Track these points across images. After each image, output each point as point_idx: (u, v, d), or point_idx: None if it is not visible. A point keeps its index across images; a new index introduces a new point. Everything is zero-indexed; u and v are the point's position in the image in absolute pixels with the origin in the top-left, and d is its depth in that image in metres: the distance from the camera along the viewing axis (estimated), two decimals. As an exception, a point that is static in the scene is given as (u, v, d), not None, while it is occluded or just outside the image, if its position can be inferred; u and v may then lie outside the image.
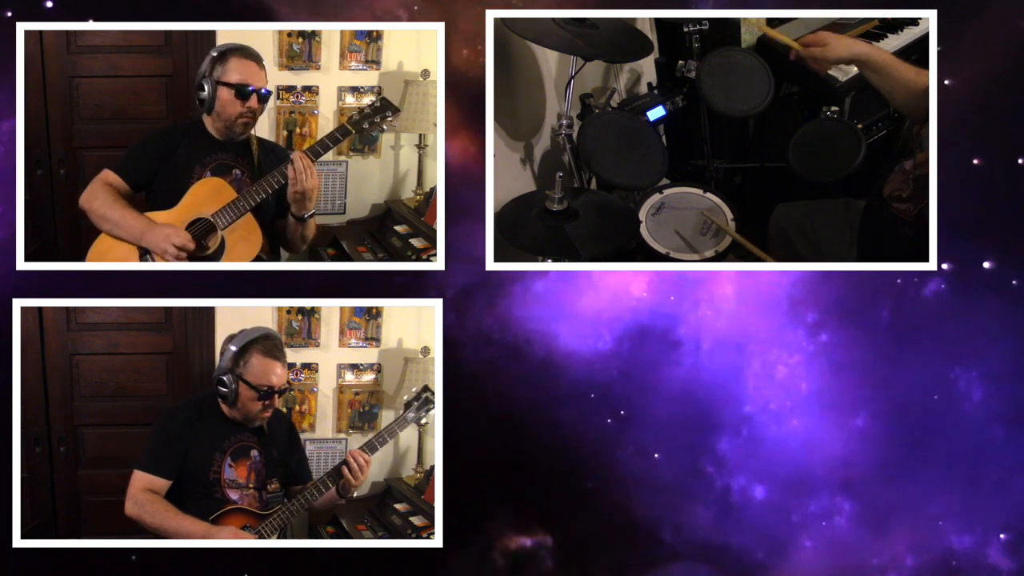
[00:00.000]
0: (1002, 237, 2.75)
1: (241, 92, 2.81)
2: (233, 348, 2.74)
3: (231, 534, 2.70)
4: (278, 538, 2.76)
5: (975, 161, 2.71)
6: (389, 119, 2.91)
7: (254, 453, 2.80)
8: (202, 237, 2.76)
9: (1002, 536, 2.76)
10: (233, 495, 2.76)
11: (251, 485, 2.79)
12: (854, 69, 3.23)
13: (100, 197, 2.77)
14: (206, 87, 2.82)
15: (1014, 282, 2.74)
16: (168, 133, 2.91)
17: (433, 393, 2.87)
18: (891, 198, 2.68)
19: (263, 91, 2.85)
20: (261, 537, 2.72)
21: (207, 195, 2.80)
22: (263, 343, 2.76)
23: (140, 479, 2.71)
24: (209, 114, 2.86)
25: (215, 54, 2.82)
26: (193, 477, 2.74)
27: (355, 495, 2.89)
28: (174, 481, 2.73)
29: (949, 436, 2.76)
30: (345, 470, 2.77)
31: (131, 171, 2.84)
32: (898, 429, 2.77)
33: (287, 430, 2.95)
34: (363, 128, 2.90)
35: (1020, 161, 2.76)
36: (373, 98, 2.91)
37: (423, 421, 2.94)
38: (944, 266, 2.72)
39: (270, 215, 2.90)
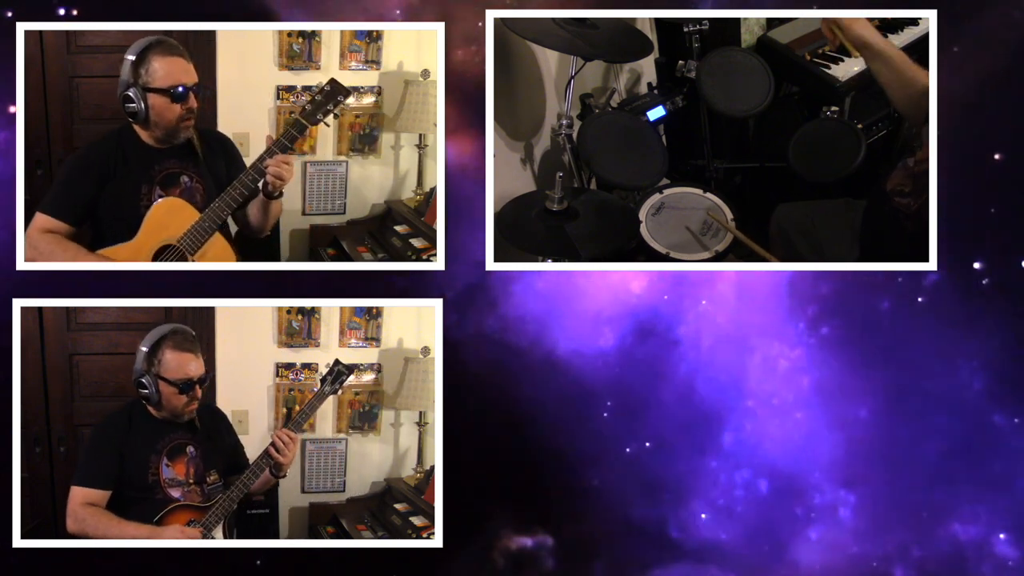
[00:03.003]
0: (1002, 235, 2.74)
1: (175, 96, 2.66)
2: (144, 349, 2.72)
3: (177, 532, 2.69)
4: (224, 526, 2.76)
5: (996, 157, 2.71)
6: (342, 102, 2.78)
7: (190, 449, 2.79)
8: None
9: (1006, 528, 2.76)
10: (175, 493, 2.75)
11: (191, 480, 2.78)
12: (855, 68, 3.24)
13: (41, 251, 2.63)
14: (134, 97, 2.64)
15: (1016, 278, 2.74)
16: (97, 152, 2.73)
17: (346, 366, 2.90)
18: (893, 192, 2.69)
19: (196, 87, 2.69)
20: (206, 529, 2.72)
21: (168, 217, 2.69)
22: (172, 338, 2.74)
23: (78, 494, 2.69)
24: (145, 127, 2.70)
25: (132, 57, 2.64)
26: (132, 483, 2.72)
27: (286, 474, 2.88)
28: (113, 491, 2.71)
29: (952, 427, 2.75)
30: (272, 449, 2.77)
31: (67, 207, 2.67)
32: (902, 420, 2.77)
33: (219, 421, 2.94)
34: (318, 119, 2.75)
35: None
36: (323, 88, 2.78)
37: (340, 392, 3.01)
38: (945, 263, 2.71)
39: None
